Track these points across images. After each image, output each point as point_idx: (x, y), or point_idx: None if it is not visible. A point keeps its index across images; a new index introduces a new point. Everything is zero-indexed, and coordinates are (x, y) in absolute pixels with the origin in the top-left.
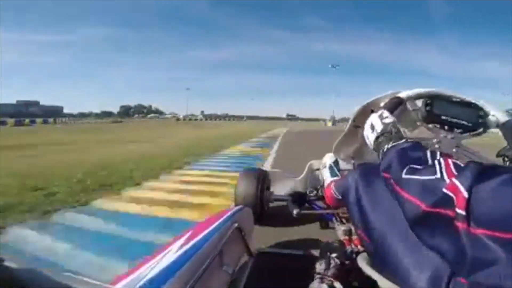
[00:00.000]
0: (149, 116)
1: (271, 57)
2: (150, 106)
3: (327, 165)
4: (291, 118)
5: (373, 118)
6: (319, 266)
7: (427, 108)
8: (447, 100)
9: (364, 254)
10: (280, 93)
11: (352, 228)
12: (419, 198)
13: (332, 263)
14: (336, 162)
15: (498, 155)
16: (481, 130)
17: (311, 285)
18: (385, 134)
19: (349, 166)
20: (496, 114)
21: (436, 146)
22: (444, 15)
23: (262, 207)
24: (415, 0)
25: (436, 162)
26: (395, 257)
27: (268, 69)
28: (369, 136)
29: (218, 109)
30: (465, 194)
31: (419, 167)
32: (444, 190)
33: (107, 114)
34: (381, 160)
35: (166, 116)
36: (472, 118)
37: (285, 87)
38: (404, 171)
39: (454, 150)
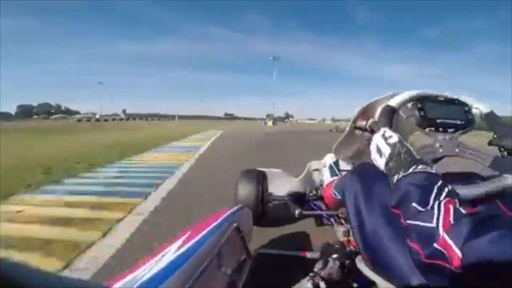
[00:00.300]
0: (54, 116)
1: (209, 55)
2: (59, 106)
3: (327, 165)
4: (229, 117)
5: (378, 140)
6: (319, 269)
7: (421, 113)
8: (434, 101)
9: (364, 254)
10: (219, 92)
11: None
12: (418, 245)
13: (331, 264)
14: (336, 163)
15: (490, 144)
16: (471, 125)
17: (297, 284)
18: (394, 159)
19: (349, 167)
20: (478, 106)
21: (441, 150)
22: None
23: (261, 207)
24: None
25: (436, 206)
26: (390, 258)
27: (206, 67)
28: (378, 161)
29: (149, 108)
30: (459, 253)
31: (421, 209)
32: (435, 245)
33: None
34: (391, 191)
35: (75, 116)
36: (461, 115)
37: (223, 86)
38: (409, 213)
39: (456, 150)
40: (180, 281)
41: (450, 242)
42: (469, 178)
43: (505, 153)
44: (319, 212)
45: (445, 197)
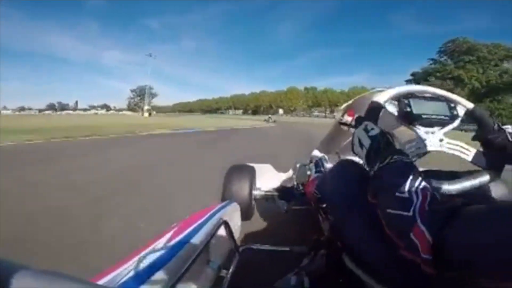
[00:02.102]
0: None
1: None
2: None
3: (313, 161)
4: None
5: (359, 133)
6: (305, 263)
7: (407, 109)
8: (420, 97)
9: (350, 250)
10: None
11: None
12: (396, 235)
13: (318, 259)
14: (323, 158)
15: (473, 139)
16: (456, 121)
17: (282, 279)
18: (374, 150)
19: (335, 163)
20: (462, 102)
21: (426, 145)
22: None
23: (249, 202)
24: None
25: (413, 193)
26: (371, 255)
27: None
28: (360, 154)
29: None
30: (430, 240)
31: (399, 196)
32: (411, 235)
33: None
34: (370, 182)
35: None
36: (446, 111)
37: None
38: (387, 202)
39: (441, 145)
40: (166, 276)
41: (423, 229)
42: (448, 175)
43: (486, 147)
44: (306, 207)
45: (420, 183)
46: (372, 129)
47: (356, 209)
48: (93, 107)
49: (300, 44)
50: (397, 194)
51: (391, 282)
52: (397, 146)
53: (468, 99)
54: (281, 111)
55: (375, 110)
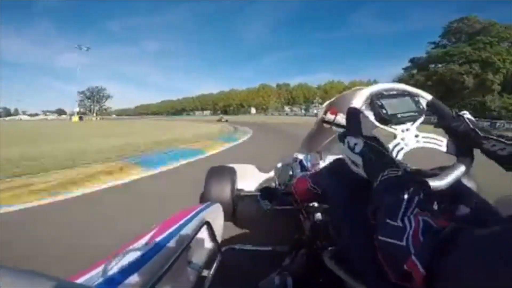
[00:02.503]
0: None
1: None
2: None
3: (298, 160)
4: None
5: (347, 153)
6: (287, 263)
7: (383, 110)
8: (390, 95)
9: (330, 249)
10: None
11: (320, 224)
12: (388, 265)
13: (299, 259)
14: (306, 158)
15: (436, 127)
16: (422, 114)
17: (265, 279)
18: (369, 165)
19: (319, 161)
20: (421, 94)
21: (405, 144)
22: None
23: (231, 203)
24: None
25: (406, 220)
26: (364, 253)
27: None
28: (360, 172)
29: None
30: (423, 272)
31: (392, 224)
32: (405, 266)
33: None
34: (370, 199)
35: None
36: (413, 106)
37: None
38: (381, 228)
39: (418, 141)
40: (146, 276)
41: (417, 262)
42: (429, 171)
43: (451, 136)
44: (288, 207)
45: (415, 207)
46: (355, 144)
47: (350, 207)
48: (47, 112)
49: (272, 41)
50: (388, 220)
51: (373, 282)
52: (385, 151)
53: (504, 88)
54: (253, 110)
55: (354, 118)
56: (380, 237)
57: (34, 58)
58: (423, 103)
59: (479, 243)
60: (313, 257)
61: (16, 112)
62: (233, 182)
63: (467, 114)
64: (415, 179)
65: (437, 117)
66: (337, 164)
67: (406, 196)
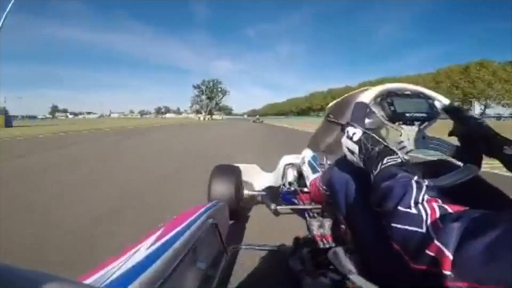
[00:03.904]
0: None
1: None
2: None
3: (306, 162)
4: None
5: (345, 142)
6: (293, 262)
7: (391, 108)
8: (402, 95)
9: (336, 249)
10: None
11: (325, 223)
12: (406, 251)
13: (304, 258)
14: (314, 158)
15: (449, 135)
16: (436, 117)
17: (292, 281)
18: (365, 154)
19: (326, 160)
20: (438, 98)
21: (409, 144)
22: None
23: (236, 203)
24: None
25: (420, 207)
26: (373, 251)
27: None
28: (355, 161)
29: None
30: (450, 256)
31: (406, 211)
32: (427, 251)
33: None
34: (372, 189)
35: None
36: (426, 108)
37: None
38: (392, 215)
39: (423, 142)
40: (152, 278)
41: (442, 246)
42: (438, 166)
43: (464, 142)
44: (293, 206)
45: (424, 194)
46: (354, 133)
47: (362, 209)
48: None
49: None
50: (400, 208)
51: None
52: (384, 142)
53: None
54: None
55: (360, 110)
56: (394, 225)
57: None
58: (439, 107)
59: (505, 224)
60: (319, 256)
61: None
62: (238, 182)
63: (485, 122)
64: (415, 170)
65: (454, 122)
66: (343, 163)
67: (413, 183)
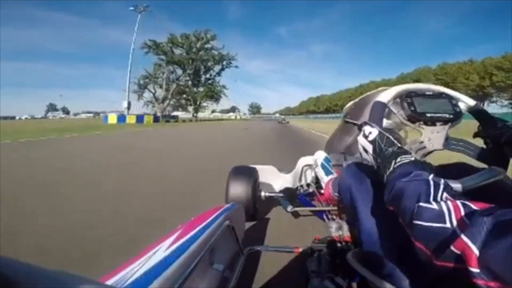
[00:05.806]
0: None
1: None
2: None
3: (319, 164)
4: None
5: (360, 140)
6: (310, 264)
7: (411, 108)
8: (423, 95)
9: (354, 250)
10: None
11: (343, 225)
12: (429, 247)
13: (322, 260)
14: (327, 159)
15: (475, 136)
16: (459, 118)
17: (311, 283)
18: (379, 154)
19: (342, 162)
20: (462, 99)
21: (430, 144)
22: None
23: (253, 204)
24: None
25: (442, 203)
26: (383, 255)
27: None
28: (368, 160)
29: None
30: (477, 253)
31: (427, 207)
32: (452, 248)
33: None
34: (385, 188)
35: None
36: (449, 108)
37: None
38: (412, 212)
39: (445, 143)
40: (171, 279)
41: (469, 242)
42: (458, 169)
43: (490, 144)
44: (310, 208)
45: (443, 191)
46: (370, 133)
47: (372, 210)
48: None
49: None
50: (421, 204)
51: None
52: (398, 144)
53: None
54: None
55: (378, 110)
56: (416, 222)
57: None
58: (463, 108)
59: None
60: (337, 258)
61: None
62: (255, 183)
63: None
64: (431, 169)
65: (480, 123)
66: (354, 165)
67: (430, 180)
